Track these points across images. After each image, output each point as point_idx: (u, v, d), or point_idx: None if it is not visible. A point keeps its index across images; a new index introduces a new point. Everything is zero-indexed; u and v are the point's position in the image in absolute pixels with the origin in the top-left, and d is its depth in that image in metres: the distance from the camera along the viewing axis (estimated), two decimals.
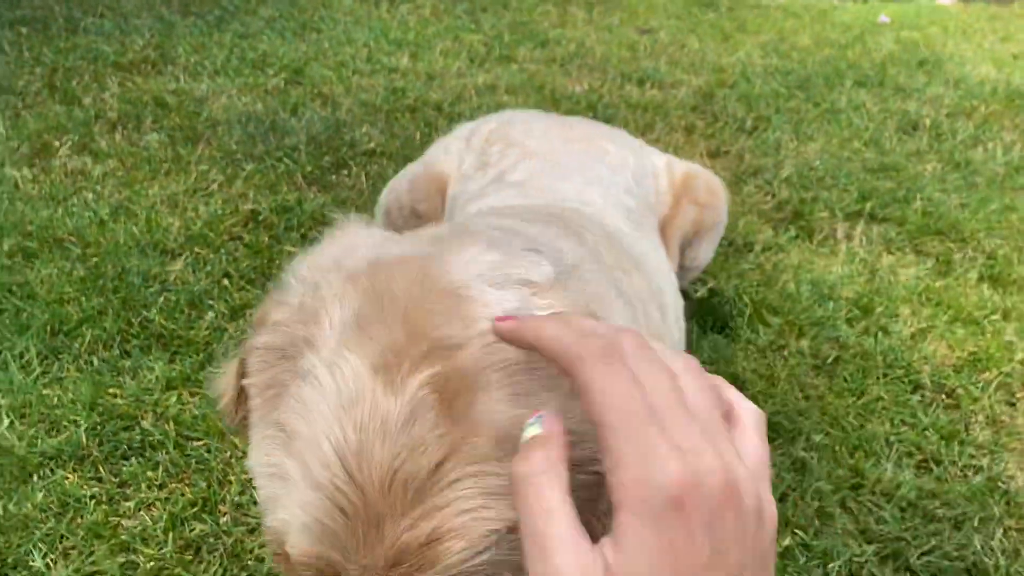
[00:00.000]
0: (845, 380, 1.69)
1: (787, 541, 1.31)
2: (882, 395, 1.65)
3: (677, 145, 2.75)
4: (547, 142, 1.43)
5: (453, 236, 0.61)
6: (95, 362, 1.68)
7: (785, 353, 1.75)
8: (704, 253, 1.63)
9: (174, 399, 1.58)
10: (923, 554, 1.32)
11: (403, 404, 0.50)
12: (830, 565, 1.28)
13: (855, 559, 1.29)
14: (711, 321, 1.85)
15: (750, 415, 0.50)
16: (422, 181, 1.57)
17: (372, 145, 2.67)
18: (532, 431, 0.48)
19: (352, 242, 0.62)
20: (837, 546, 1.31)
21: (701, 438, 0.44)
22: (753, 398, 1.63)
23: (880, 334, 1.83)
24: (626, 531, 0.42)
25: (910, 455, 1.52)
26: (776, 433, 1.55)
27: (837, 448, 1.51)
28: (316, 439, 0.51)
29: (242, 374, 0.64)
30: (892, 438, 1.54)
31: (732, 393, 0.52)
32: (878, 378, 1.70)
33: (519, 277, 0.56)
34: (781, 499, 1.40)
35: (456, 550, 0.50)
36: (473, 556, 0.50)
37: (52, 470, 1.42)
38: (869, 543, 1.33)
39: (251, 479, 1.36)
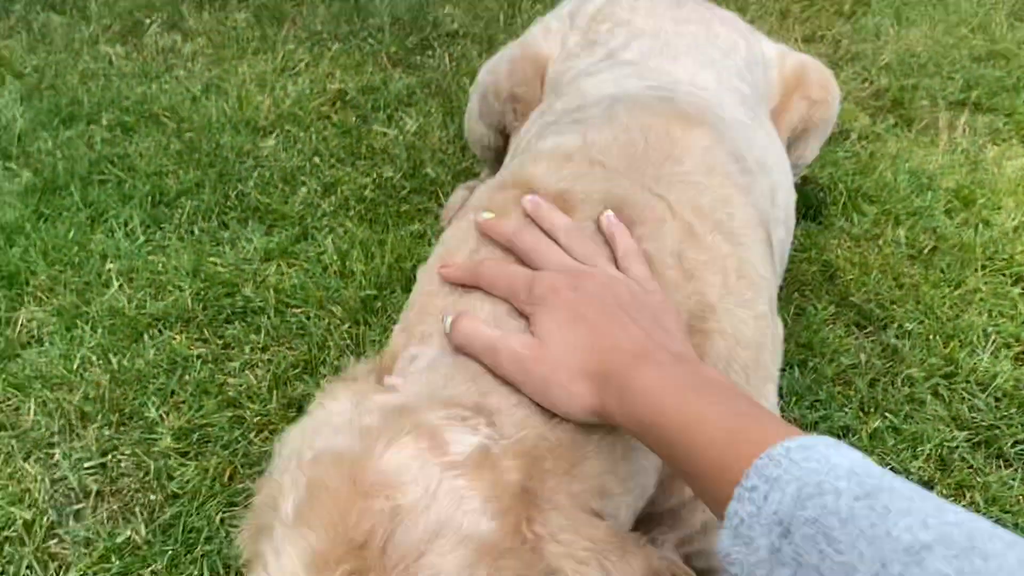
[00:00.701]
0: (942, 271, 1.64)
1: (876, 424, 1.31)
2: (980, 287, 1.60)
3: (771, 29, 2.64)
4: (656, 21, 1.38)
5: (383, 430, 0.65)
6: (195, 232, 1.74)
7: (880, 242, 1.71)
8: (811, 151, 1.58)
9: (272, 269, 1.63)
10: (1017, 443, 1.31)
11: None
12: (919, 448, 1.28)
13: (946, 444, 1.29)
14: (804, 209, 1.80)
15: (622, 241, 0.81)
16: (521, 64, 1.53)
17: (455, 26, 2.63)
18: (448, 320, 0.76)
19: (320, 422, 0.70)
20: (927, 431, 1.31)
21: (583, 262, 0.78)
22: (845, 285, 1.61)
23: (981, 226, 1.77)
24: (535, 316, 0.73)
25: (1008, 346, 1.49)
26: (867, 320, 1.53)
27: (931, 337, 1.49)
28: None
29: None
30: (989, 329, 1.51)
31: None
32: (976, 269, 1.65)
33: (439, 462, 0.63)
34: (871, 384, 1.40)
35: None
36: None
37: (160, 331, 1.49)
38: (961, 429, 1.32)
39: (349, 346, 1.41)
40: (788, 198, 1.27)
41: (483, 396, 0.72)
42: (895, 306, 1.55)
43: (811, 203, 1.82)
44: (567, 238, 0.80)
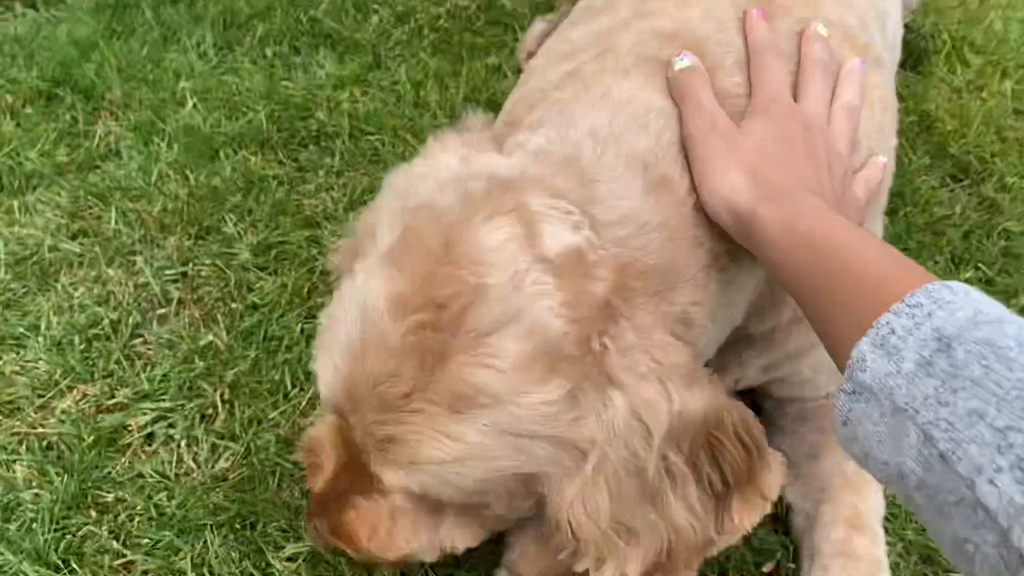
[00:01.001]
0: None
1: (968, 275, 1.27)
2: None
3: None
4: None
5: (485, 202, 0.66)
6: (267, 55, 1.70)
7: (984, 94, 1.61)
8: None
9: (345, 96, 1.60)
10: None
11: (396, 338, 0.63)
12: (1012, 301, 1.24)
13: None
14: (904, 57, 1.70)
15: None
16: None
17: None
18: (681, 63, 0.75)
19: (428, 170, 0.72)
20: (1022, 285, 1.26)
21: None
22: (943, 136, 1.52)
23: None
24: (752, 117, 0.75)
25: None
26: (964, 172, 1.46)
27: None
28: (340, 329, 0.67)
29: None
30: None
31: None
32: None
33: (531, 254, 0.64)
34: (965, 236, 1.34)
35: (399, 458, 0.66)
36: (411, 470, 0.66)
37: (236, 150, 1.48)
38: None
39: None
40: (896, 31, 1.19)
41: (590, 185, 0.69)
42: (996, 159, 1.47)
43: (912, 52, 1.71)
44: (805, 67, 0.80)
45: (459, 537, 0.80)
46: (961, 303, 0.51)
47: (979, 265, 1.28)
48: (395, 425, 0.64)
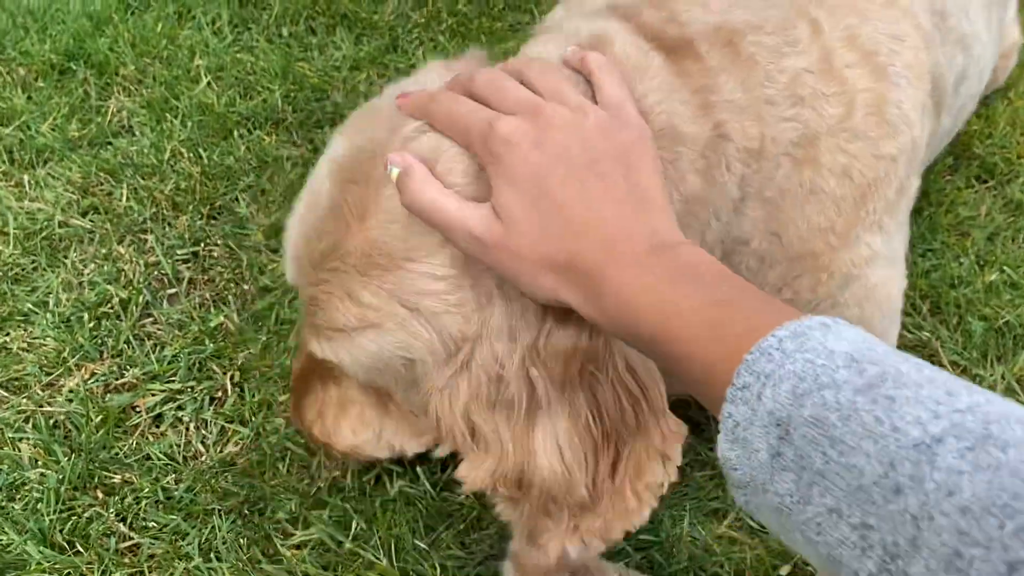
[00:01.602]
0: None
1: (992, 277, 1.24)
2: None
3: None
4: None
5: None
6: (284, 35, 1.67)
7: (1010, 95, 1.59)
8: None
9: (362, 77, 1.58)
10: None
11: (328, 197, 0.67)
12: None
13: None
14: None
15: (595, 61, 0.68)
16: None
17: None
18: (395, 172, 0.62)
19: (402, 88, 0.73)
20: None
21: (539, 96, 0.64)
22: (968, 136, 1.50)
23: None
24: (496, 186, 0.60)
25: None
26: (990, 173, 1.44)
27: None
28: (298, 203, 0.72)
29: None
30: None
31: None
32: None
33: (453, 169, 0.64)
34: (990, 238, 1.32)
35: (318, 323, 0.68)
36: (325, 338, 0.68)
37: (250, 130, 1.46)
38: None
39: None
40: (971, 97, 1.16)
41: None
42: (1022, 160, 1.45)
43: None
44: (533, 72, 0.66)
45: (404, 437, 0.86)
46: (781, 372, 0.46)
47: (1004, 268, 1.26)
48: (316, 287, 0.67)
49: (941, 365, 1.15)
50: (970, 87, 1.13)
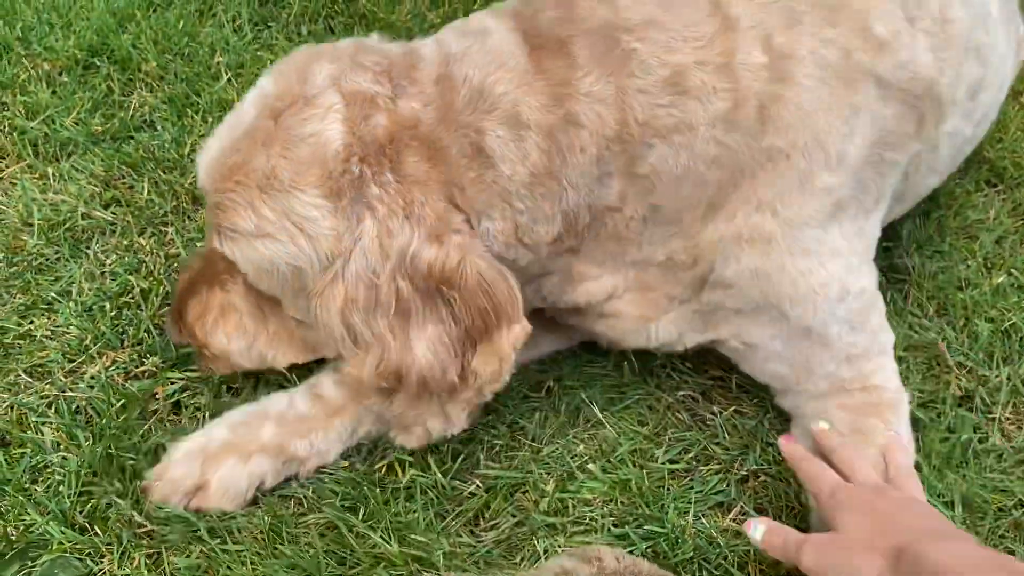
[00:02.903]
0: None
1: (1000, 279, 1.26)
2: None
3: None
4: None
5: (337, 54, 0.91)
6: (303, 32, 1.70)
7: (1021, 99, 1.59)
8: None
9: None
10: None
11: (246, 122, 0.87)
12: None
13: None
14: None
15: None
16: None
17: None
18: (758, 530, 0.89)
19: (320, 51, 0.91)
20: None
21: None
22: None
23: None
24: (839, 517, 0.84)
25: None
26: (999, 178, 1.45)
27: None
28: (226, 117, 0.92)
29: None
30: None
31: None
32: None
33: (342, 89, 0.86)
34: (998, 241, 1.33)
35: (222, 224, 0.86)
36: (227, 238, 0.86)
37: None
38: None
39: None
40: (991, 106, 1.18)
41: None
42: None
43: None
44: (849, 453, 0.94)
45: (277, 349, 1.02)
46: None
47: (1011, 271, 1.27)
48: (223, 194, 0.84)
49: (947, 366, 1.16)
50: (991, 96, 1.14)
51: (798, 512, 1.02)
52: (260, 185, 0.82)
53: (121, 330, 1.15)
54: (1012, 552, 0.98)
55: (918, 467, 1.03)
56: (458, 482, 1.03)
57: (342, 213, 0.82)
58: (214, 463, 0.98)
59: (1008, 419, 1.12)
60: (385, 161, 0.83)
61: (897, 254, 1.29)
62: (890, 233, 1.29)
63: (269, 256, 0.84)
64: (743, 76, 0.86)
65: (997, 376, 1.14)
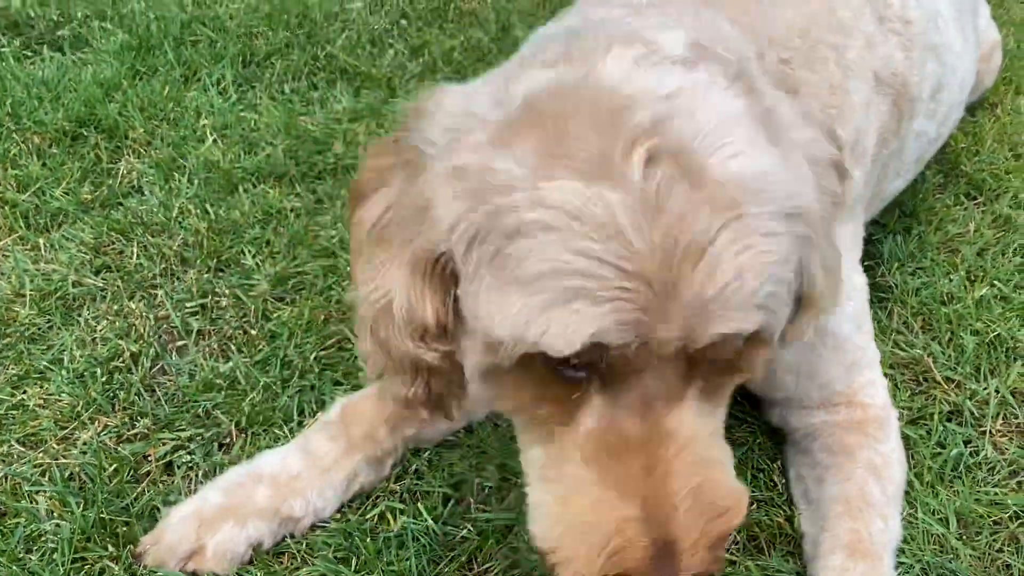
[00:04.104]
0: None
1: (983, 292, 1.26)
2: None
3: None
4: None
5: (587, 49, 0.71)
6: (286, 91, 1.74)
7: (997, 111, 1.61)
8: None
9: (362, 128, 1.63)
10: None
11: (649, 184, 0.62)
12: None
13: None
14: None
15: None
16: None
17: None
18: None
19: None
20: None
21: None
22: (956, 154, 1.52)
23: None
24: None
25: None
26: (978, 190, 1.46)
27: None
28: (571, 238, 0.63)
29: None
30: None
31: None
32: None
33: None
34: (979, 253, 1.33)
35: (749, 287, 0.64)
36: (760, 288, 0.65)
37: (255, 184, 1.51)
38: None
39: None
40: (953, 106, 1.20)
41: None
42: (1010, 176, 1.47)
43: None
44: None
45: None
46: None
47: (995, 282, 1.28)
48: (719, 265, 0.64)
49: (935, 381, 1.16)
50: (951, 95, 1.16)
51: (792, 539, 1.01)
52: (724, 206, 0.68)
53: (112, 394, 1.16)
54: (1009, 566, 0.97)
55: (911, 485, 1.02)
56: (450, 527, 1.03)
57: None
58: (210, 528, 0.98)
59: (999, 431, 1.11)
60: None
61: (879, 272, 1.29)
62: (872, 251, 1.30)
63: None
64: None
65: (985, 389, 1.14)
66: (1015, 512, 1.02)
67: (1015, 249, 1.33)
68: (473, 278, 0.69)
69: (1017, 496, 1.03)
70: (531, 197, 0.64)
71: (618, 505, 0.70)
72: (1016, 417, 1.13)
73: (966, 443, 1.09)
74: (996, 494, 1.04)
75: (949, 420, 1.12)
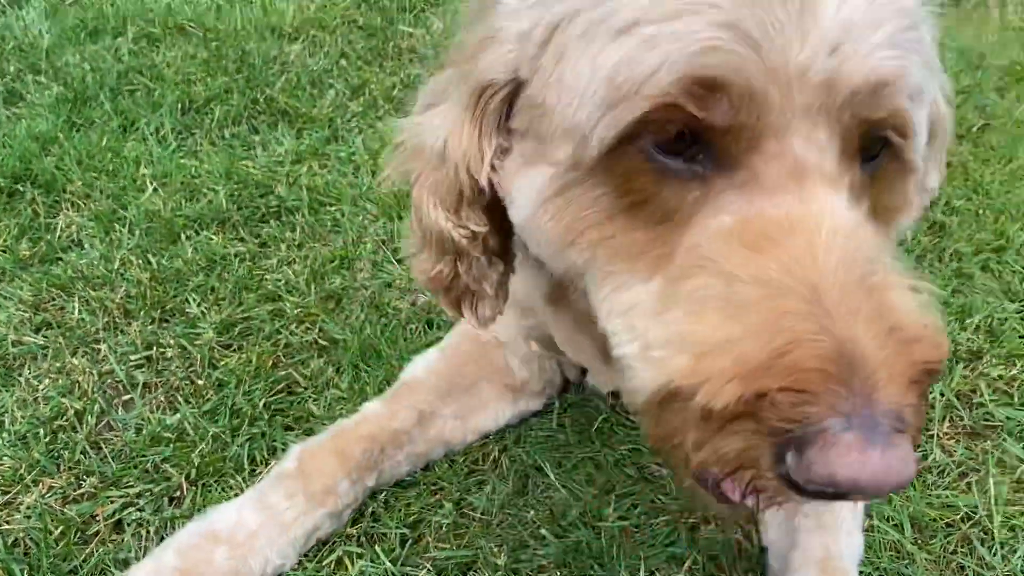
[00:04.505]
0: (992, 148, 1.59)
1: None
2: None
3: None
4: None
5: None
6: (226, 136, 1.73)
7: None
8: None
9: (304, 170, 1.62)
10: None
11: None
12: (968, 320, 1.25)
13: (996, 315, 1.26)
14: None
15: None
16: None
17: None
18: None
19: None
20: (976, 303, 1.28)
21: None
22: None
23: None
24: None
25: None
26: None
27: (980, 213, 1.44)
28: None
29: None
30: None
31: None
32: None
33: None
34: (917, 260, 1.36)
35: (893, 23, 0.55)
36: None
37: (197, 231, 1.50)
38: (1012, 301, 1.29)
39: (385, 240, 1.40)
40: None
41: None
42: (942, 186, 1.50)
43: None
44: None
45: None
46: None
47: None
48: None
49: None
50: None
51: (751, 555, 1.01)
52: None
53: (56, 454, 1.13)
54: (963, 567, 0.99)
55: None
56: (409, 568, 1.01)
57: None
58: None
59: (946, 434, 1.13)
60: None
61: None
62: None
63: None
64: None
65: (931, 394, 1.16)
66: (966, 513, 1.04)
67: (951, 255, 1.36)
68: (552, 68, 0.61)
69: (967, 497, 1.05)
70: None
71: (777, 301, 0.52)
72: (962, 419, 1.15)
73: (915, 447, 1.11)
74: (947, 496, 1.05)
75: None
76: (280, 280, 1.39)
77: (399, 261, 1.42)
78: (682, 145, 0.57)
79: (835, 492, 0.50)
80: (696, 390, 0.52)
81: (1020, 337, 1.23)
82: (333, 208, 1.53)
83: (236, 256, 1.45)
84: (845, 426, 0.49)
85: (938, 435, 1.12)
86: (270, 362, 1.25)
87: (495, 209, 0.72)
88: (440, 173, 0.70)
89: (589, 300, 0.66)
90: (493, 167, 0.68)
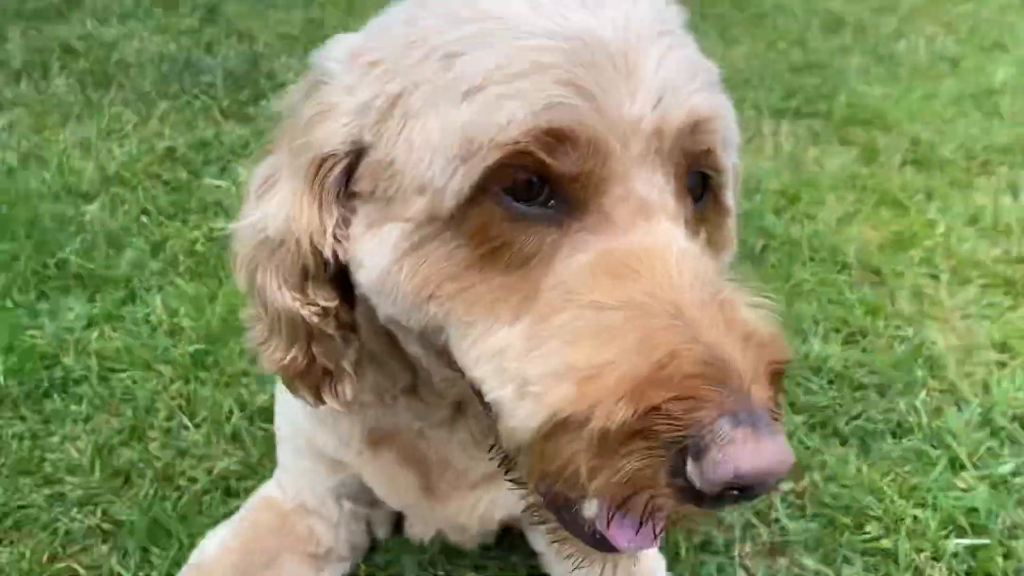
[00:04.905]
0: (772, 266, 1.70)
1: None
2: (808, 277, 1.66)
3: None
4: None
5: None
6: (9, 305, 1.62)
7: None
8: None
9: (96, 335, 1.54)
10: (851, 419, 1.35)
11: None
12: None
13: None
14: None
15: None
16: None
17: (292, 75, 2.60)
18: None
19: None
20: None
21: None
22: None
23: (806, 221, 1.84)
24: None
25: (837, 330, 1.54)
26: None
27: None
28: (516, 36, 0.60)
29: None
30: (819, 316, 1.56)
31: None
32: (804, 262, 1.71)
33: None
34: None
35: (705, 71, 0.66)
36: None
37: None
38: (798, 413, 1.35)
39: (180, 405, 1.33)
40: None
41: None
42: None
43: None
44: None
45: None
46: None
47: None
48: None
49: None
50: None
51: None
52: None
53: None
54: None
55: None
56: None
57: None
58: None
59: (747, 553, 1.15)
60: None
61: None
62: None
63: None
64: None
65: (729, 516, 1.19)
66: None
67: None
68: (399, 131, 0.64)
69: None
70: (470, 14, 0.63)
71: (646, 320, 0.56)
72: (761, 536, 1.17)
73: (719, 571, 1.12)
74: None
75: (703, 549, 1.15)
76: (61, 460, 1.29)
77: (196, 426, 1.35)
78: (535, 192, 0.62)
79: (740, 488, 0.53)
80: (588, 415, 0.55)
81: (806, 449, 1.29)
82: (125, 375, 1.45)
83: (14, 436, 1.33)
84: (734, 423, 0.53)
85: (740, 555, 1.14)
86: (45, 557, 1.14)
87: (343, 282, 0.72)
88: (283, 252, 0.71)
89: (452, 354, 0.67)
90: (336, 237, 0.69)
